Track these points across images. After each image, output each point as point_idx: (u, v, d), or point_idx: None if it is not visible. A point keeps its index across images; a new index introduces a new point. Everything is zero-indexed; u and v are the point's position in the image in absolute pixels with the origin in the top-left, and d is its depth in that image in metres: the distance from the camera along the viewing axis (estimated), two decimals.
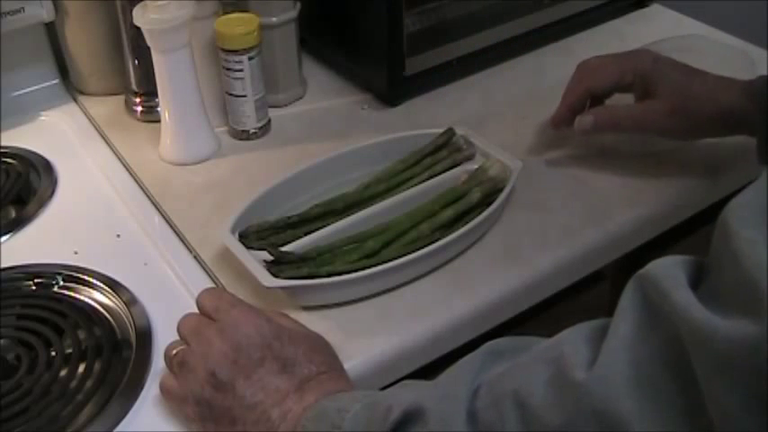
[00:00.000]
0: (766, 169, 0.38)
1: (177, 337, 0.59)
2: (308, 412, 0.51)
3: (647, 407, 0.39)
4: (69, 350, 0.62)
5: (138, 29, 0.76)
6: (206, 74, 0.84)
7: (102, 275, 0.69)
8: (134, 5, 0.76)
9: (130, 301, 0.66)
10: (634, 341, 0.40)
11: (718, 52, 0.86)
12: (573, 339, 0.44)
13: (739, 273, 0.36)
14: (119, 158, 0.84)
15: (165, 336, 0.62)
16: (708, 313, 0.36)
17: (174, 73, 0.78)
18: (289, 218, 0.70)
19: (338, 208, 0.71)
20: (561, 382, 0.42)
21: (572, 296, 0.73)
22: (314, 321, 0.62)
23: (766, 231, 0.36)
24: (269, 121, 0.86)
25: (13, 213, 0.79)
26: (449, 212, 0.69)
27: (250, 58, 0.80)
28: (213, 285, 0.68)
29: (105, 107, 0.92)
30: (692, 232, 0.79)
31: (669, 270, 0.40)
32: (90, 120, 0.91)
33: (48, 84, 0.95)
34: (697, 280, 0.40)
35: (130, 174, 0.82)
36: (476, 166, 0.74)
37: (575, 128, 0.75)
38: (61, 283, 0.69)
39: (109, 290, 0.67)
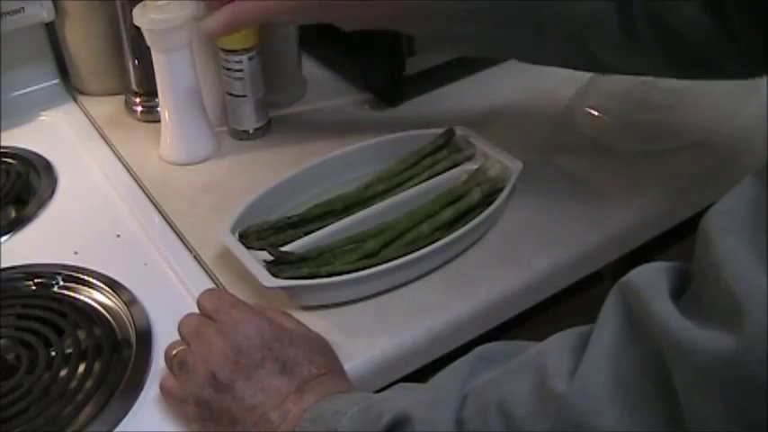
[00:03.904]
0: (748, 176, 0.37)
1: (177, 338, 0.59)
2: (306, 414, 0.51)
3: (627, 419, 0.38)
4: (69, 350, 0.62)
5: (139, 29, 0.76)
6: (206, 74, 0.84)
7: (102, 275, 0.69)
8: (134, 5, 0.76)
9: (130, 301, 0.66)
10: (615, 351, 0.39)
11: None
12: (557, 347, 0.43)
13: (719, 283, 0.35)
14: (119, 158, 0.84)
15: (165, 336, 0.62)
16: (688, 324, 0.36)
17: (174, 73, 0.78)
18: (289, 218, 0.70)
19: (338, 208, 0.71)
20: (543, 393, 0.41)
21: (571, 296, 0.73)
22: (314, 321, 0.62)
23: (745, 242, 0.35)
24: (269, 121, 0.86)
25: (13, 213, 0.79)
26: (449, 212, 0.69)
27: (250, 58, 0.80)
28: (213, 285, 0.68)
29: (105, 107, 0.92)
30: (691, 233, 0.79)
31: (651, 279, 0.39)
32: (90, 120, 0.91)
33: (48, 84, 0.95)
34: (681, 287, 0.39)
35: (130, 174, 0.82)
36: (476, 166, 0.74)
37: (200, 32, 0.71)
38: (61, 283, 0.69)
39: (109, 290, 0.67)
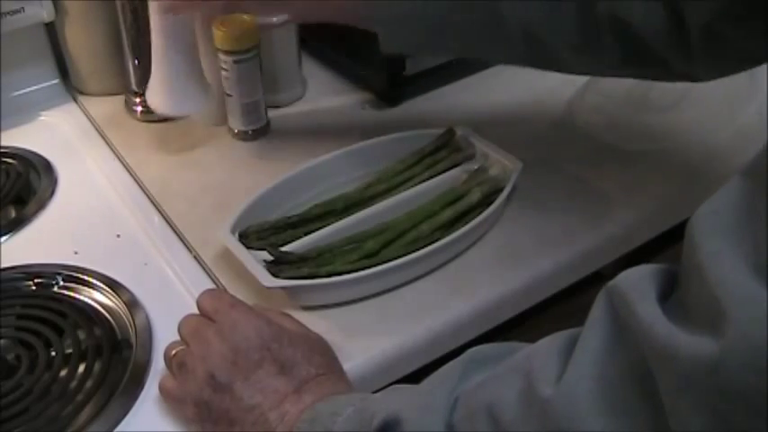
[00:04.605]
0: (735, 175, 0.36)
1: (177, 338, 0.59)
2: (303, 415, 0.52)
3: (613, 425, 0.38)
4: (69, 350, 0.62)
5: (138, 29, 0.76)
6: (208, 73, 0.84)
7: (102, 275, 0.69)
8: (134, 5, 0.76)
9: (130, 301, 0.66)
10: (601, 357, 0.39)
11: None
12: (545, 351, 0.43)
13: (703, 288, 0.34)
14: (119, 158, 0.84)
15: (165, 336, 0.62)
16: (672, 329, 0.35)
17: (170, 30, 0.76)
18: (289, 218, 0.70)
19: (338, 208, 0.71)
20: (530, 398, 0.41)
21: (571, 296, 0.73)
22: (314, 321, 0.62)
23: (731, 244, 0.34)
24: (267, 122, 0.86)
25: (13, 213, 0.79)
26: (449, 212, 0.69)
27: (235, 62, 0.80)
28: (213, 285, 0.68)
29: (105, 107, 0.92)
30: None
31: (637, 283, 0.39)
32: (90, 120, 0.91)
33: (48, 84, 0.95)
34: (669, 290, 0.39)
35: (130, 174, 0.82)
36: (476, 166, 0.74)
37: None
38: (61, 283, 0.69)
39: (109, 290, 0.67)
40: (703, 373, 0.33)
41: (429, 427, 0.45)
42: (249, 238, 0.68)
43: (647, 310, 0.37)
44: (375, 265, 0.64)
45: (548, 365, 0.41)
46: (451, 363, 0.48)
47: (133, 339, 0.63)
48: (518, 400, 0.42)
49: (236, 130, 0.85)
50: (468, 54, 0.70)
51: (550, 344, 0.43)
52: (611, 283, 0.41)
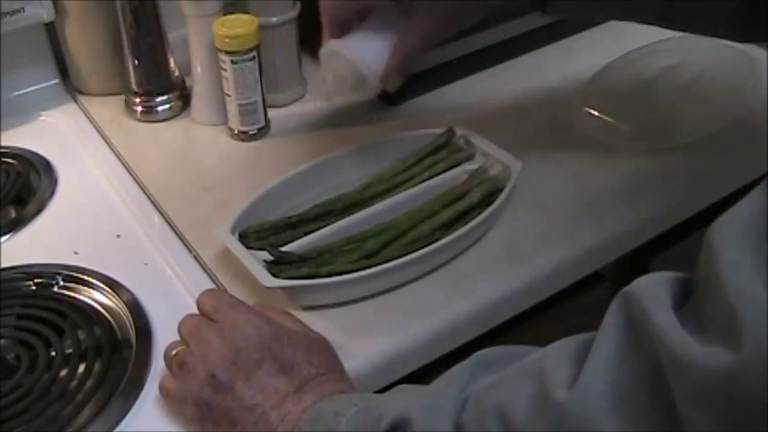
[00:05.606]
0: (756, 188, 0.36)
1: (177, 338, 0.59)
2: (304, 415, 0.51)
3: (626, 429, 0.38)
4: (69, 350, 0.62)
5: (139, 28, 0.76)
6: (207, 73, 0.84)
7: (102, 275, 0.69)
8: (134, 5, 0.76)
9: (130, 301, 0.66)
10: (616, 362, 0.39)
11: (718, 52, 0.86)
12: (558, 354, 0.43)
13: (720, 297, 0.35)
14: (119, 158, 0.84)
15: (165, 336, 0.62)
16: (688, 337, 0.35)
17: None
18: (289, 218, 0.70)
19: (338, 208, 0.71)
20: (543, 401, 0.41)
21: (572, 296, 0.73)
22: (314, 321, 0.62)
23: (751, 254, 0.34)
24: (267, 122, 0.86)
25: (13, 213, 0.79)
26: (449, 212, 0.69)
27: (232, 62, 0.80)
28: (213, 285, 0.68)
29: (105, 107, 0.92)
30: (691, 234, 0.79)
31: (652, 289, 0.39)
32: (90, 120, 0.91)
33: (48, 84, 0.95)
34: (684, 297, 0.39)
35: (130, 174, 0.82)
36: (476, 166, 0.74)
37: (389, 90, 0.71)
38: (61, 283, 0.69)
39: (109, 290, 0.67)
40: (718, 384, 0.33)
41: (437, 427, 0.45)
42: (249, 238, 0.68)
43: (663, 317, 0.37)
44: (375, 265, 0.64)
45: (561, 369, 0.41)
46: (459, 365, 0.48)
47: (133, 339, 0.63)
48: (530, 402, 0.42)
49: (235, 131, 0.85)
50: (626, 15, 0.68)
51: (562, 347, 0.43)
52: (626, 288, 0.41)
